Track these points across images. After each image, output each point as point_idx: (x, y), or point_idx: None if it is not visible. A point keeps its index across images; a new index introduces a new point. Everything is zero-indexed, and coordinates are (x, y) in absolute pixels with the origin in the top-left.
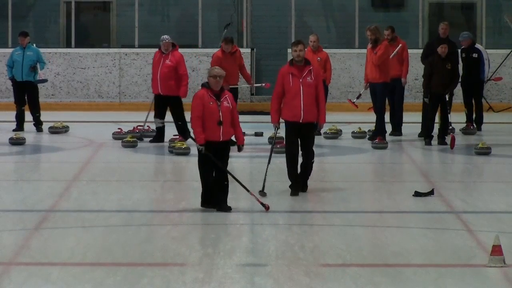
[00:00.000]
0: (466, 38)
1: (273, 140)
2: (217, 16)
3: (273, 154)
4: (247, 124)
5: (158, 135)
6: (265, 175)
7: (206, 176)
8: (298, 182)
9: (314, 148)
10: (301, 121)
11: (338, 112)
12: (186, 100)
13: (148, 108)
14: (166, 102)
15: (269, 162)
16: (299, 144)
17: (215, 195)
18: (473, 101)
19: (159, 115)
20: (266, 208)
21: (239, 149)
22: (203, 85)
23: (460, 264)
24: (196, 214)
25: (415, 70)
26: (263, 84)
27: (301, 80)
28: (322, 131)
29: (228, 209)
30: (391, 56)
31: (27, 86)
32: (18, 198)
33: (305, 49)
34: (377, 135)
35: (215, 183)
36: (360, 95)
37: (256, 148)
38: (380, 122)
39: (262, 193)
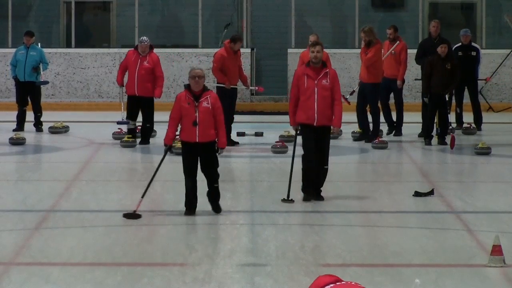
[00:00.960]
0: (467, 33)
1: (294, 144)
2: (217, 16)
3: (273, 154)
4: (247, 124)
5: (137, 135)
6: (290, 181)
7: (186, 182)
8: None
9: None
10: (315, 124)
11: None
12: (160, 101)
13: (121, 108)
14: (139, 103)
15: (292, 169)
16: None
17: (208, 198)
18: (471, 101)
19: (133, 116)
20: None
21: (219, 152)
22: (185, 86)
23: (460, 264)
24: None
25: (415, 70)
26: (256, 88)
27: (316, 82)
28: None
29: (219, 211)
30: (384, 56)
31: (29, 87)
32: (18, 198)
33: (322, 51)
34: (375, 136)
35: (208, 187)
36: (353, 91)
37: (256, 148)
38: (374, 122)
39: (288, 200)
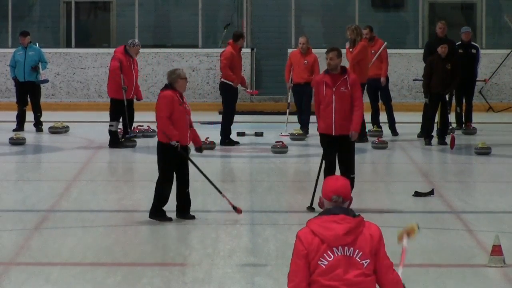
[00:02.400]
0: (468, 31)
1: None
2: (217, 16)
3: (273, 154)
4: (247, 124)
5: (116, 139)
6: (314, 189)
7: (166, 189)
8: None
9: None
10: (333, 134)
11: None
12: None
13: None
14: (126, 106)
15: (318, 177)
16: (336, 158)
17: (179, 204)
18: (465, 99)
19: (118, 119)
20: (238, 211)
21: (200, 151)
22: (167, 86)
23: (460, 264)
24: (196, 214)
25: (415, 70)
26: (251, 90)
27: (334, 89)
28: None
29: (191, 217)
30: (374, 58)
31: (29, 87)
32: (18, 198)
33: (339, 57)
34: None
35: (179, 192)
36: None
37: (256, 148)
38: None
39: (310, 208)
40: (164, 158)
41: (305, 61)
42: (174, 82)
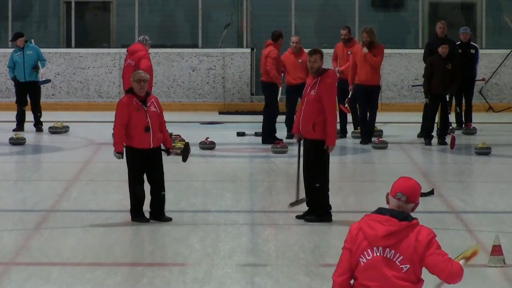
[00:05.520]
0: (466, 31)
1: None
2: (217, 16)
3: (273, 154)
4: (247, 124)
5: None
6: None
7: (136, 190)
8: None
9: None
10: (299, 137)
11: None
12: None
13: None
14: None
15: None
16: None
17: (152, 206)
18: (464, 99)
19: None
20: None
21: (169, 153)
22: (127, 92)
23: None
24: (196, 214)
25: (415, 70)
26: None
27: (307, 91)
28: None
29: (168, 219)
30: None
31: (30, 86)
32: (18, 198)
33: (320, 60)
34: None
35: (152, 194)
36: (348, 99)
37: (256, 148)
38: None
39: (296, 202)
40: (132, 163)
41: (300, 61)
42: (132, 85)
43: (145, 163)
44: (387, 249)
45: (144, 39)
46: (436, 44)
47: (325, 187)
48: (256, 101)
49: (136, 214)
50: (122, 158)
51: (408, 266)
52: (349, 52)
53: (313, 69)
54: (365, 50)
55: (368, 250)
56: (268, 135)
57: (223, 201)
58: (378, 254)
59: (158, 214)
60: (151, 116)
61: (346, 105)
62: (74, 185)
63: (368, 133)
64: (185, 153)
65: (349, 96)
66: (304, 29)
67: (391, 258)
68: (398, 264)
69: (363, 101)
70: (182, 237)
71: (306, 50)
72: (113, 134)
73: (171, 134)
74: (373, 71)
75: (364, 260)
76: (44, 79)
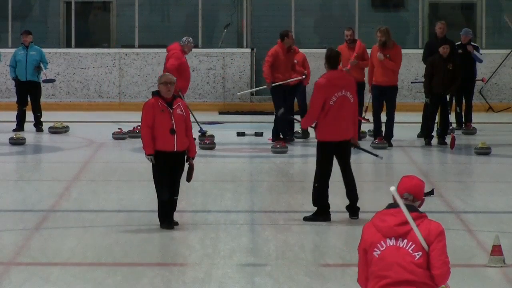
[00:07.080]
0: (468, 33)
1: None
2: (217, 16)
3: (273, 154)
4: (247, 124)
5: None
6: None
7: (164, 194)
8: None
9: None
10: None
11: None
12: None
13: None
14: None
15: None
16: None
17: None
18: (465, 99)
19: None
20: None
21: (189, 161)
22: (153, 94)
23: (460, 264)
24: (196, 214)
25: (415, 70)
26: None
27: None
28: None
29: (174, 226)
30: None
31: (31, 86)
32: (18, 198)
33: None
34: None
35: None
36: (367, 107)
37: (256, 148)
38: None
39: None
40: (156, 165)
41: (296, 61)
42: (158, 87)
43: (168, 165)
44: (400, 239)
45: (185, 40)
46: (436, 44)
47: (324, 187)
48: (256, 101)
49: (162, 219)
50: (154, 161)
51: (421, 253)
52: (388, 55)
53: None
54: (380, 56)
55: (382, 242)
56: (278, 133)
57: (223, 201)
58: (392, 244)
59: (168, 220)
60: (176, 118)
61: (364, 115)
62: (74, 185)
63: (388, 136)
64: (189, 173)
65: (369, 101)
66: (304, 29)
67: (404, 247)
68: (411, 252)
69: (378, 103)
70: (182, 237)
71: (303, 50)
72: (141, 137)
73: (204, 133)
74: (389, 71)
75: (378, 252)
76: (47, 78)
